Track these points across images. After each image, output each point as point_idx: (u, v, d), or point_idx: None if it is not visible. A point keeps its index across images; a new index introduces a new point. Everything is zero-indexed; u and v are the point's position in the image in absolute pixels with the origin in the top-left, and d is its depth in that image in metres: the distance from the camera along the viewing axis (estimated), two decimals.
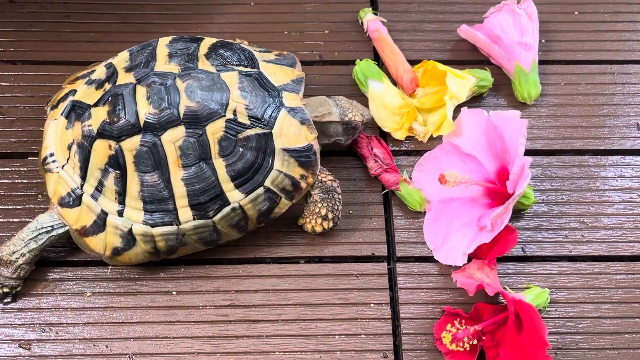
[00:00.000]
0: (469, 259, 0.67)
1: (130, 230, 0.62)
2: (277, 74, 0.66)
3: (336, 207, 0.67)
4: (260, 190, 0.63)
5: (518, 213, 0.72)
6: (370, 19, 0.82)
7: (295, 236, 0.71)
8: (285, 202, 0.64)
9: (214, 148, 0.61)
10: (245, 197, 0.62)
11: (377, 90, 0.76)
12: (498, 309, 0.64)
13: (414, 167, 0.74)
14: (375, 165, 0.72)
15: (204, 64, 0.63)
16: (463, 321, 0.62)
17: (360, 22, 0.83)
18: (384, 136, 0.77)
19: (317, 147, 0.65)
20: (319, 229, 0.68)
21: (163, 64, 0.63)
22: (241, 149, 0.61)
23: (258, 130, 0.62)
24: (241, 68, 0.64)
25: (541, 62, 0.81)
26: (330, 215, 0.67)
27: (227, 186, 0.62)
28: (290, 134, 0.63)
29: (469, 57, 0.82)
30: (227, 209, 0.62)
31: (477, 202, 0.71)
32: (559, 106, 0.79)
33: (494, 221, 0.65)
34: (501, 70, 0.80)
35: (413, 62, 0.79)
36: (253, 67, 0.65)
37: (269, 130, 0.62)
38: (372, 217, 0.72)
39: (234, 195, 0.62)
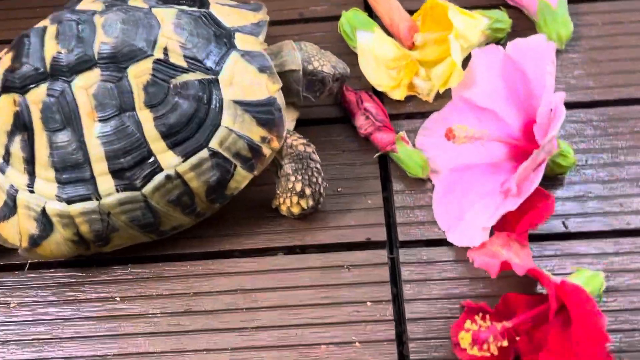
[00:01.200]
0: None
1: (44, 210, 0.49)
2: (232, 16, 0.53)
3: (314, 180, 0.53)
4: (204, 153, 0.49)
5: (555, 179, 0.56)
6: None
7: (271, 223, 0.56)
8: (243, 174, 0.50)
9: (139, 96, 0.47)
10: (184, 161, 0.48)
11: (366, 42, 0.62)
12: (535, 300, 0.48)
13: (418, 132, 0.59)
14: (366, 123, 0.57)
15: (135, 2, 0.50)
16: (487, 316, 0.46)
17: None
18: (380, 97, 0.62)
19: (281, 102, 0.51)
20: (296, 209, 0.54)
21: (88, 3, 0.50)
22: (175, 98, 0.48)
23: (199, 76, 0.48)
24: (184, 7, 0.51)
25: (571, 1, 0.65)
26: (307, 191, 0.53)
27: (158, 146, 0.48)
28: (244, 83, 0.49)
29: (480, 2, 0.67)
30: (159, 177, 0.48)
31: (500, 167, 0.55)
32: (597, 50, 0.63)
33: (520, 180, 0.49)
34: (521, 13, 0.65)
35: (412, 13, 0.65)
36: (201, 7, 0.52)
37: (213, 77, 0.49)
38: (367, 194, 0.57)
39: (168, 159, 0.48)
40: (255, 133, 0.50)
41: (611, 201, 0.55)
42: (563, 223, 0.54)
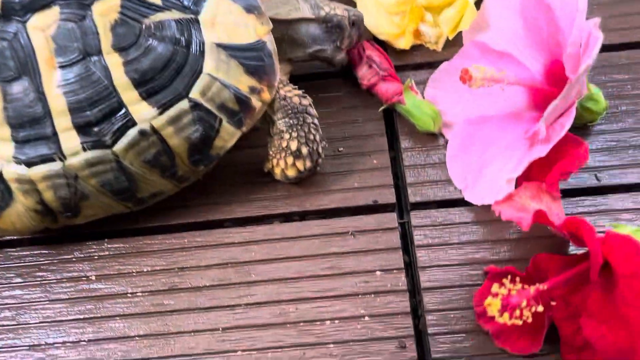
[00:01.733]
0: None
1: (1, 175, 0.42)
2: None
3: (311, 138, 0.46)
4: (184, 104, 0.42)
5: (583, 129, 0.50)
6: None
7: (265, 188, 0.50)
8: (230, 130, 0.44)
9: (106, 37, 0.41)
10: (160, 113, 0.42)
11: None
12: (570, 260, 0.41)
13: (426, 85, 0.53)
14: (370, 72, 0.51)
15: None
16: (517, 279, 0.40)
17: None
18: (383, 48, 0.56)
19: (272, 48, 0.45)
20: (291, 172, 0.47)
21: None
22: (149, 40, 0.41)
23: (175, 15, 0.42)
24: None
25: None
26: (304, 150, 0.46)
27: (129, 95, 0.41)
28: (229, 24, 0.43)
29: None
30: (132, 133, 0.42)
31: (521, 117, 0.49)
32: None
33: (549, 121, 0.42)
34: None
35: None
36: None
37: (193, 16, 0.42)
38: (372, 153, 0.51)
39: (142, 111, 0.42)
40: (243, 82, 0.43)
41: None
42: (595, 176, 0.48)
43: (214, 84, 0.43)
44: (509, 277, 0.40)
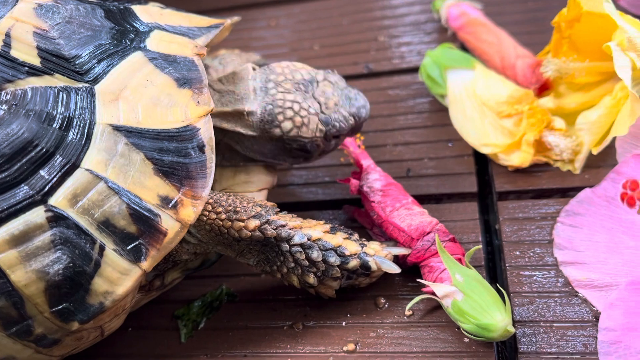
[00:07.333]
0: None
1: None
2: (167, 16, 0.34)
3: (306, 264, 0.31)
4: (38, 215, 0.26)
5: None
6: (451, 4, 0.48)
7: None
8: (120, 265, 0.27)
9: None
10: None
11: (463, 83, 0.39)
12: None
13: (554, 223, 0.33)
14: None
15: None
16: None
17: (435, 15, 0.50)
18: (484, 164, 0.38)
19: (208, 137, 0.29)
20: (329, 291, 0.32)
21: None
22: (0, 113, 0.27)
23: (57, 81, 0.28)
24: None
25: None
26: (311, 279, 0.31)
27: None
28: (143, 99, 0.28)
29: None
30: None
31: None
32: None
33: None
34: None
35: None
36: (133, 2, 0.34)
37: (85, 85, 0.28)
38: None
39: None
40: (150, 188, 0.27)
41: None
42: None
43: (95, 186, 0.26)
44: None
